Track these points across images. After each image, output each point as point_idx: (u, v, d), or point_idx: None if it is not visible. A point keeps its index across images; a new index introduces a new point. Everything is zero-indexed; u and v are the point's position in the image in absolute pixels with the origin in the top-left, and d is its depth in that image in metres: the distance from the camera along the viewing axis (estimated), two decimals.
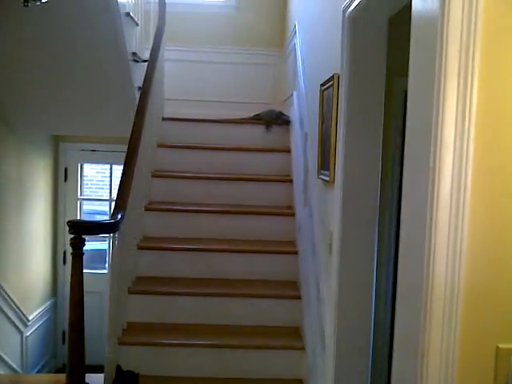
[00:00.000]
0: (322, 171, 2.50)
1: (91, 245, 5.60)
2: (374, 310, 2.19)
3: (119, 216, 2.61)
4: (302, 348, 2.80)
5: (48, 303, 5.13)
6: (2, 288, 4.10)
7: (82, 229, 2.41)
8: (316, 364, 2.54)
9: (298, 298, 3.02)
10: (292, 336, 2.93)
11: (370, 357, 2.19)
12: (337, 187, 2.17)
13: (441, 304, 1.02)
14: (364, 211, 2.11)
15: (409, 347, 1.17)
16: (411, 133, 1.24)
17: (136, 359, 2.77)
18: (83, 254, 2.45)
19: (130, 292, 3.00)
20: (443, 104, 1.05)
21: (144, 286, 3.12)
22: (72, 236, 2.39)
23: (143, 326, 2.98)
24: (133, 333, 2.89)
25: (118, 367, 2.58)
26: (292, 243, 3.41)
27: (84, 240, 2.43)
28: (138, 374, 2.62)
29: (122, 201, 2.73)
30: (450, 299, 1.02)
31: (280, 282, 3.23)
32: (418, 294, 1.09)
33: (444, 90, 1.04)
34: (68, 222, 2.42)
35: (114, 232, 2.60)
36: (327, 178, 2.36)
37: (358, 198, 2.10)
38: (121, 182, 2.88)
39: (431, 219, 1.06)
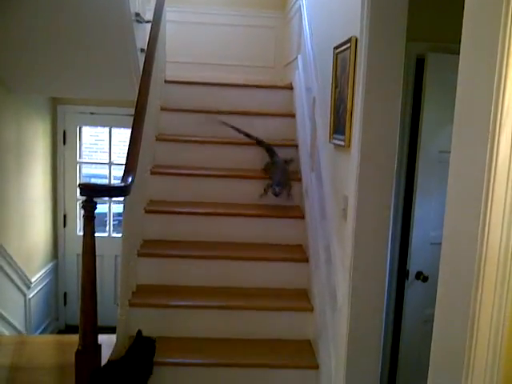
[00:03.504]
0: (336, 135, 2.49)
1: None
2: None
3: (130, 179, 2.60)
4: (311, 309, 2.85)
5: (49, 265, 5.16)
6: (4, 250, 4.10)
7: (94, 192, 2.40)
8: (325, 325, 2.58)
9: (306, 260, 3.05)
10: (300, 298, 2.97)
11: (384, 318, 2.23)
12: (353, 152, 2.17)
13: (494, 268, 1.02)
14: (381, 176, 2.12)
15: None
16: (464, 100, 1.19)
17: (146, 321, 2.80)
18: (94, 217, 2.45)
19: (139, 255, 3.01)
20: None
21: (152, 248, 3.13)
22: (83, 199, 2.38)
23: (152, 289, 3.01)
24: (142, 295, 2.92)
25: (139, 332, 2.60)
26: (298, 208, 3.42)
27: (96, 203, 2.43)
28: (155, 340, 2.64)
29: (131, 164, 2.71)
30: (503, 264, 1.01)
31: (287, 246, 3.26)
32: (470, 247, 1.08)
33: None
34: (79, 185, 2.40)
35: (125, 195, 2.59)
36: (342, 143, 2.35)
37: (375, 162, 2.10)
38: (129, 145, 2.85)
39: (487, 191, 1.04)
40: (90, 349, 2.44)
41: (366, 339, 2.20)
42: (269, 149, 3.64)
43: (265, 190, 3.39)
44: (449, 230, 1.24)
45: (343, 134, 2.32)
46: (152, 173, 3.45)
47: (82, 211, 2.41)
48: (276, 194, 3.22)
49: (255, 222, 3.31)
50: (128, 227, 2.75)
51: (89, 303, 2.42)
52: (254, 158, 3.69)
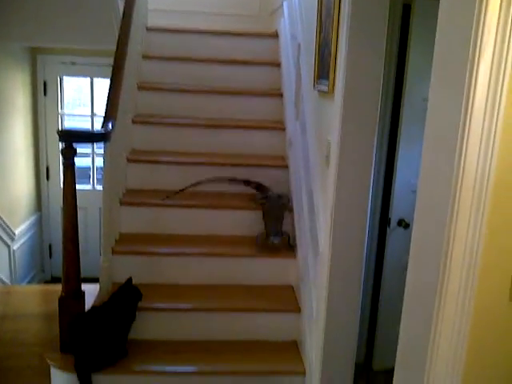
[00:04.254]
0: (320, 81, 2.45)
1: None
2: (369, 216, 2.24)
3: (110, 126, 2.56)
4: (293, 256, 2.89)
5: (33, 218, 5.14)
6: None
7: (73, 137, 2.36)
8: (307, 270, 2.62)
9: (290, 210, 3.06)
10: (283, 246, 2.99)
11: (364, 262, 2.26)
12: (337, 97, 2.14)
13: (469, 194, 1.02)
14: (364, 122, 2.10)
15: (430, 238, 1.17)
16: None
17: (129, 269, 2.81)
18: (74, 164, 2.42)
19: (122, 203, 3.00)
20: None
21: (135, 197, 3.11)
22: (63, 146, 2.34)
23: (135, 237, 3.01)
24: (125, 243, 2.93)
25: (130, 279, 2.61)
26: (282, 158, 3.41)
27: (75, 150, 2.39)
28: (141, 294, 2.65)
29: (111, 111, 2.66)
30: (479, 189, 1.01)
31: None
32: (445, 183, 1.08)
33: None
34: (58, 131, 2.36)
35: (105, 141, 2.55)
36: (325, 89, 2.31)
37: (359, 107, 2.08)
38: (109, 92, 2.79)
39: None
40: (72, 295, 2.46)
41: (346, 282, 2.23)
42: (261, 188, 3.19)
43: (257, 237, 2.96)
44: (425, 168, 1.24)
45: (327, 79, 2.28)
46: (134, 122, 3.40)
47: (62, 158, 2.38)
48: (275, 247, 2.89)
49: (240, 171, 3.29)
50: (109, 175, 2.72)
51: (71, 249, 2.42)
52: (240, 108, 3.64)
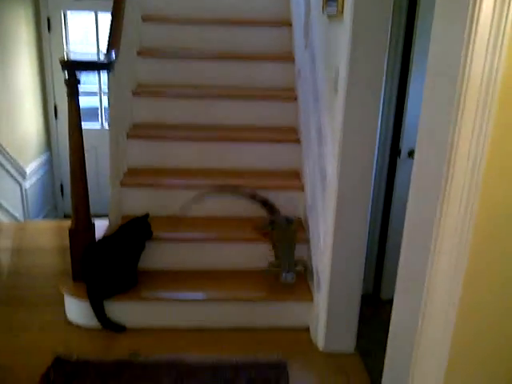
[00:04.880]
0: (329, 3, 2.35)
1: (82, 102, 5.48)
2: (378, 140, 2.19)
3: (113, 55, 2.50)
4: (301, 188, 2.87)
5: (43, 157, 5.15)
6: None
7: (76, 66, 2.31)
8: (315, 203, 2.61)
9: (298, 141, 3.03)
10: (292, 177, 2.98)
11: (372, 191, 2.24)
12: (346, 19, 2.05)
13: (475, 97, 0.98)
14: (374, 45, 2.02)
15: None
16: None
17: (138, 201, 2.83)
18: (78, 93, 2.38)
19: (129, 137, 2.98)
20: None
21: (142, 131, 3.09)
22: (66, 76, 2.30)
23: (144, 171, 3.01)
24: (134, 176, 2.93)
25: (147, 215, 2.63)
26: (292, 90, 3.34)
27: (78, 80, 2.35)
28: (148, 215, 2.68)
29: (114, 40, 2.60)
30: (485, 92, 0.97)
31: (280, 128, 3.22)
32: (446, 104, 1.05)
33: None
34: (61, 61, 2.31)
35: (108, 71, 2.50)
36: (334, 10, 2.22)
37: (368, 30, 1.99)
38: (111, 22, 2.72)
39: None
40: (82, 226, 2.49)
41: (353, 211, 2.22)
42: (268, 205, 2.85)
43: (268, 270, 2.60)
44: (427, 91, 1.19)
45: (336, 0, 2.19)
46: (139, 53, 3.32)
47: (66, 88, 2.34)
48: (289, 282, 2.47)
49: (249, 104, 3.23)
50: (115, 106, 2.68)
51: (79, 182, 2.43)
52: (248, 40, 3.53)
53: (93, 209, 2.71)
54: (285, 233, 2.54)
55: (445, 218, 1.08)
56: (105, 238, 2.59)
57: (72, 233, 2.49)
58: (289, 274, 2.44)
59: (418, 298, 1.13)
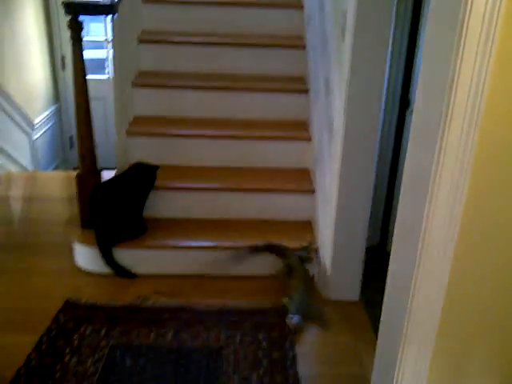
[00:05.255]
0: None
1: (89, 54, 5.43)
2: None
3: None
4: (309, 139, 2.85)
5: (52, 108, 5.14)
6: (2, 90, 4.04)
7: (79, 9, 2.27)
8: (322, 154, 2.59)
9: (306, 91, 2.98)
10: (299, 128, 2.95)
11: (378, 140, 2.22)
12: None
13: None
14: None
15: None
16: None
17: (144, 150, 2.83)
18: (82, 38, 2.35)
19: (135, 85, 2.95)
20: None
21: (148, 79, 3.05)
22: (69, 19, 2.26)
23: (150, 120, 3.00)
24: (140, 125, 2.92)
25: (156, 167, 2.64)
26: (300, 37, 3.26)
27: (81, 23, 2.31)
28: (158, 167, 2.67)
29: None
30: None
31: (288, 78, 3.17)
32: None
33: None
34: (63, 3, 2.27)
35: (112, 14, 2.45)
36: None
37: None
38: None
39: None
40: (89, 172, 2.50)
41: (359, 160, 2.21)
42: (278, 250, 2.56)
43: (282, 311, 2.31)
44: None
45: None
46: (144, 1, 3.24)
47: (69, 32, 2.31)
48: (294, 330, 2.22)
49: (257, 53, 3.17)
50: (119, 52, 2.65)
51: (84, 127, 2.43)
52: None
53: (102, 161, 2.72)
54: (300, 273, 2.41)
55: (442, 166, 1.06)
56: (111, 179, 2.60)
57: (79, 178, 2.51)
58: (295, 317, 2.22)
59: (414, 247, 1.12)
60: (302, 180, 2.81)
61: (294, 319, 2.21)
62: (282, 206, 2.77)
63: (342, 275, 2.41)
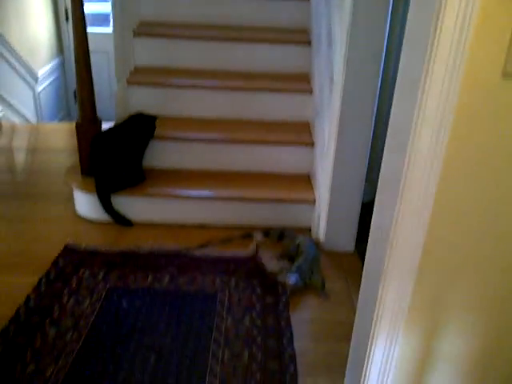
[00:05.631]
0: None
1: (94, 8, 5.36)
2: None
3: None
4: (310, 91, 2.83)
5: (55, 61, 5.11)
6: (5, 41, 4.02)
7: None
8: (322, 106, 2.58)
9: (309, 43, 2.94)
10: (301, 80, 2.93)
11: (377, 92, 2.20)
12: None
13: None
14: None
15: None
16: None
17: (145, 100, 2.82)
18: None
19: (136, 34, 2.92)
20: None
21: (149, 28, 3.02)
22: None
23: (150, 70, 2.98)
24: (140, 75, 2.90)
25: (154, 118, 2.64)
26: None
27: None
28: (157, 117, 2.67)
29: None
30: None
31: (290, 30, 3.12)
32: None
33: None
34: None
35: None
36: None
37: None
38: None
39: None
40: (88, 119, 2.51)
41: (358, 112, 2.19)
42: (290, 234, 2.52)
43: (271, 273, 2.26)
44: None
45: None
46: None
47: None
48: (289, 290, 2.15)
49: (257, 2, 3.11)
50: (119, 1, 2.61)
51: (84, 73, 2.42)
52: None
53: (106, 115, 2.72)
54: (308, 250, 2.31)
55: (423, 115, 1.03)
56: (111, 128, 2.60)
57: (78, 127, 2.52)
58: (293, 277, 2.14)
59: (397, 185, 1.11)
60: (302, 133, 2.80)
61: (291, 278, 2.14)
62: (282, 158, 2.77)
63: (338, 227, 2.43)
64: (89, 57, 2.42)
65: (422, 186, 1.02)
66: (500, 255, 1.04)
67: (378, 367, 1.16)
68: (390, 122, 1.20)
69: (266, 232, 2.56)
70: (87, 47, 2.40)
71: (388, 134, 1.23)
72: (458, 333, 1.11)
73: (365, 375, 1.18)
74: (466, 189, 1.01)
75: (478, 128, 0.96)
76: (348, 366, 1.36)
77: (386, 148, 1.20)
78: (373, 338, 1.13)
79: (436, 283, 1.06)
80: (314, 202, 2.59)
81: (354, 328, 1.34)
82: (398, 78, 1.15)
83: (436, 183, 1.01)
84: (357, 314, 1.32)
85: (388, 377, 1.16)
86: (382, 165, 1.27)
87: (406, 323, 1.09)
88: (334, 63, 2.39)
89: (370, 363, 1.16)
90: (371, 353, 1.14)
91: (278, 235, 2.53)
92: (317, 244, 2.45)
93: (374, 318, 1.11)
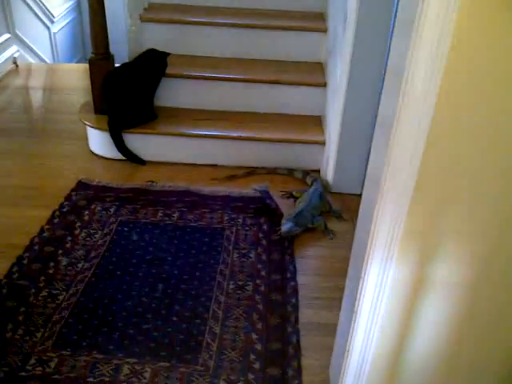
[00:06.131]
0: None
1: None
2: None
3: None
4: (324, 30, 2.77)
5: (72, 2, 5.06)
6: None
7: None
8: (335, 46, 2.53)
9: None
10: (316, 19, 2.87)
11: (391, 26, 2.15)
12: None
13: None
14: None
15: None
16: None
17: (158, 37, 2.80)
18: None
19: None
20: None
21: None
22: None
23: (164, 7, 2.95)
24: (154, 11, 2.87)
25: (154, 50, 2.62)
26: None
27: None
28: (169, 54, 2.66)
29: None
30: None
31: None
32: None
33: None
34: None
35: None
36: None
37: None
38: None
39: None
40: (101, 55, 2.51)
41: (371, 46, 2.15)
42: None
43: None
44: None
45: None
46: None
47: None
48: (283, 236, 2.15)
49: None
50: None
51: (96, 5, 2.40)
52: None
53: (120, 56, 2.71)
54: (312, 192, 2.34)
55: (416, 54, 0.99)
56: (124, 64, 2.61)
57: (92, 63, 2.52)
58: (287, 224, 2.14)
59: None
60: (315, 73, 2.77)
61: (284, 226, 2.14)
62: (294, 99, 2.75)
63: (346, 169, 2.44)
64: None
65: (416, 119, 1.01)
66: (497, 180, 1.04)
67: (371, 292, 1.19)
68: (387, 65, 1.17)
69: (290, 170, 2.60)
70: None
71: (386, 76, 1.19)
72: (449, 259, 1.13)
73: (359, 300, 1.22)
74: (465, 108, 0.99)
75: (473, 61, 0.94)
76: (345, 292, 1.40)
77: (383, 91, 1.17)
78: (367, 263, 1.16)
79: (429, 208, 1.08)
80: (323, 143, 2.58)
81: (352, 255, 1.37)
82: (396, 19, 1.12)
83: (429, 121, 0.99)
84: (354, 241, 1.35)
85: (382, 301, 1.19)
86: (380, 108, 1.24)
87: (400, 247, 1.11)
88: (348, 1, 2.33)
89: (364, 288, 1.19)
90: (365, 277, 1.17)
91: (302, 175, 2.58)
92: (325, 187, 2.46)
93: (369, 244, 1.13)
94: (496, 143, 1.01)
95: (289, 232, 2.13)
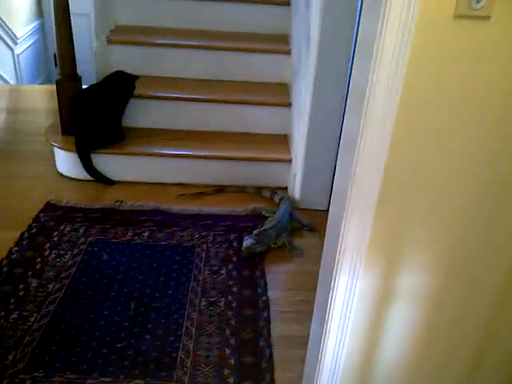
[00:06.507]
0: None
1: None
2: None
3: None
4: (288, 52, 2.86)
5: (36, 24, 5.05)
6: None
7: None
8: (300, 67, 2.62)
9: (288, 4, 2.96)
10: (279, 42, 2.96)
11: (352, 51, 2.24)
12: None
13: None
14: None
15: None
16: None
17: (125, 59, 2.83)
18: None
19: None
20: None
21: None
22: None
23: (132, 29, 2.98)
24: (121, 33, 2.90)
25: (122, 72, 2.65)
26: None
27: None
28: (138, 77, 2.70)
29: None
30: None
31: None
32: None
33: None
34: None
35: None
36: None
37: None
38: None
39: None
40: (68, 76, 2.52)
41: (333, 69, 2.24)
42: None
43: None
44: None
45: None
46: None
47: None
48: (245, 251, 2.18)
49: None
50: None
51: (63, 28, 2.42)
52: None
53: (87, 78, 2.72)
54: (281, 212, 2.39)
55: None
56: (92, 85, 2.63)
57: (59, 83, 2.53)
58: (249, 240, 2.19)
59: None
60: (280, 94, 2.85)
61: (245, 241, 2.19)
62: (260, 119, 2.82)
63: (313, 186, 2.51)
64: (68, 11, 2.42)
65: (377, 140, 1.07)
66: (455, 190, 1.11)
67: (341, 303, 1.24)
68: (350, 85, 1.23)
69: (258, 189, 2.65)
70: (67, 3, 2.40)
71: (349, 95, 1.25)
72: (413, 268, 1.20)
73: (329, 310, 1.27)
74: (422, 125, 1.06)
75: (431, 67, 1.01)
76: (315, 304, 1.45)
77: (347, 110, 1.23)
78: (336, 274, 1.21)
79: (393, 219, 1.14)
80: (290, 161, 2.65)
81: (321, 268, 1.42)
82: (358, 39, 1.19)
83: (389, 138, 1.05)
84: (323, 254, 1.40)
85: (351, 310, 1.24)
86: (344, 126, 1.29)
87: (367, 258, 1.17)
88: (311, 23, 2.42)
89: (333, 298, 1.24)
90: (335, 288, 1.22)
91: (269, 193, 2.62)
92: (292, 204, 2.52)
93: (337, 256, 1.19)
94: (453, 156, 1.08)
95: (248, 248, 2.16)
